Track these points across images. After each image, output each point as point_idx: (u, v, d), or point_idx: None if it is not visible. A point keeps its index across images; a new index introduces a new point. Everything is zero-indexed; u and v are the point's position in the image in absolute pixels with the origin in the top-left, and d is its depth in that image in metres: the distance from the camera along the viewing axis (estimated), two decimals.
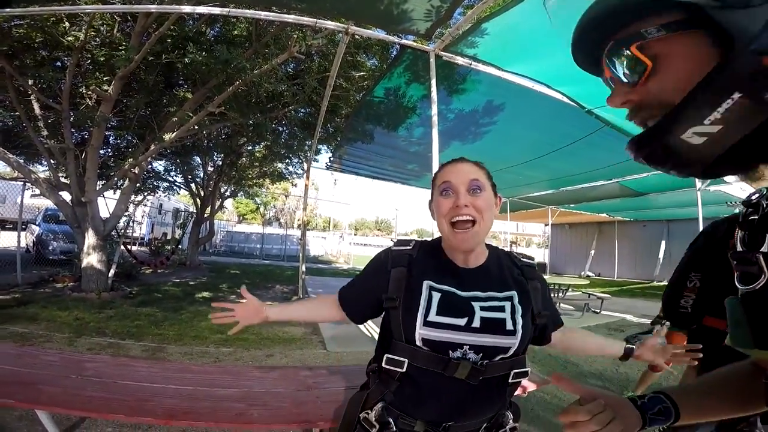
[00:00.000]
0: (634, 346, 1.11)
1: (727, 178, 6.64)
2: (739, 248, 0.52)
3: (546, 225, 18.00)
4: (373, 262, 1.02)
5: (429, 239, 1.05)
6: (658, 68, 0.43)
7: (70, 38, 4.76)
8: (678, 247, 13.34)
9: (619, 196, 9.00)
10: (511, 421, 0.95)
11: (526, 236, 34.43)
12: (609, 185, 7.75)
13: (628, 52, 0.44)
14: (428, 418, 0.88)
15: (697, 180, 5.62)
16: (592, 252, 16.72)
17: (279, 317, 1.12)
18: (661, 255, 14.19)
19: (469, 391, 0.85)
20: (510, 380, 0.89)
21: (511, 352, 0.86)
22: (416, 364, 0.85)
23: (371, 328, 4.87)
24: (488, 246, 0.99)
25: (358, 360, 3.61)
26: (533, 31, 2.71)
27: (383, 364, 0.88)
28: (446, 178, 0.91)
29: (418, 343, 0.85)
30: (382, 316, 0.98)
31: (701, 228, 5.63)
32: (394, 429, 0.90)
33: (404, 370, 0.86)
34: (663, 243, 14.12)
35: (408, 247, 0.98)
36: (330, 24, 3.30)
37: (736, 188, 7.22)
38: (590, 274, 16.33)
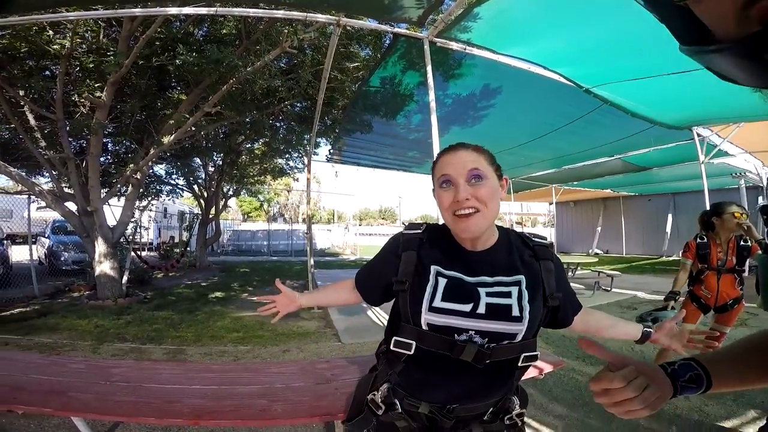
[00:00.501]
0: (651, 330, 1.08)
1: (731, 150, 6.58)
2: (765, 201, 0.46)
3: (551, 204, 17.91)
4: (386, 246, 1.03)
5: (439, 223, 1.04)
6: None
7: (55, 46, 4.73)
8: (685, 220, 13.23)
9: (622, 171, 8.92)
10: (517, 407, 0.96)
11: (531, 216, 34.30)
12: (611, 161, 7.69)
13: None
14: (433, 401, 0.90)
15: (699, 153, 5.57)
16: (599, 229, 16.63)
17: (309, 303, 1.23)
18: (668, 229, 14.08)
19: (476, 374, 0.86)
20: (519, 364, 0.89)
21: (519, 338, 0.85)
22: (423, 346, 0.86)
23: (383, 318, 4.94)
24: (499, 228, 0.97)
25: (373, 350, 3.67)
26: (526, 13, 2.68)
27: (391, 347, 0.90)
28: (444, 170, 0.89)
29: (424, 327, 0.86)
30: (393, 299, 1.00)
31: (707, 200, 5.62)
32: (399, 410, 0.93)
33: (412, 352, 0.87)
34: (670, 216, 14.00)
35: (419, 231, 0.98)
36: (321, 17, 3.27)
37: (740, 160, 7.15)
38: (598, 251, 16.28)
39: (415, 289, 0.89)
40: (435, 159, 0.96)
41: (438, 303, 0.85)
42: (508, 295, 0.86)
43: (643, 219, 15.28)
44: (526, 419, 0.99)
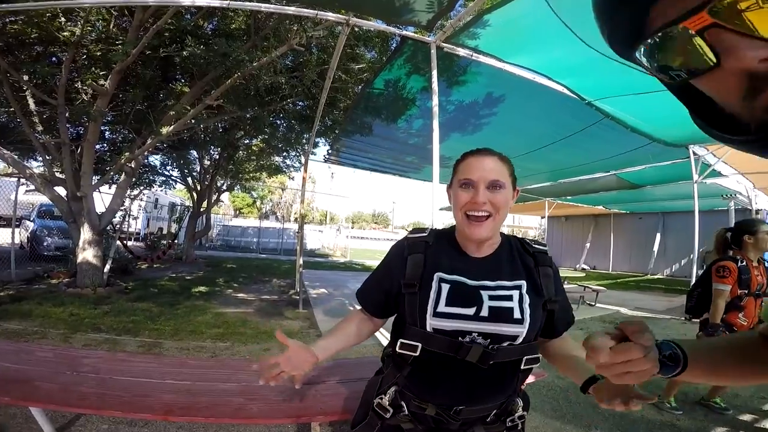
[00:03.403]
0: (599, 378, 0.83)
1: (724, 171, 6.69)
2: None
3: (542, 217, 18.01)
4: (391, 252, 1.03)
5: (443, 228, 1.07)
6: None
7: (66, 33, 4.66)
8: (673, 239, 13.48)
9: (616, 188, 9.03)
10: (520, 409, 0.96)
11: (522, 228, 34.50)
12: (606, 177, 7.76)
13: None
14: (440, 402, 0.89)
15: (694, 171, 5.64)
16: (588, 245, 16.78)
17: (328, 354, 1.02)
18: (655, 248, 14.31)
19: (482, 376, 0.86)
20: (522, 367, 0.90)
21: (520, 340, 0.87)
22: (429, 348, 0.87)
23: None
24: (501, 234, 1.00)
25: (356, 354, 3.61)
26: (535, 23, 2.67)
27: (398, 349, 0.90)
28: (468, 174, 0.92)
29: (429, 330, 0.87)
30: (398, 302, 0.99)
31: (697, 220, 5.66)
32: (406, 412, 0.92)
33: (417, 354, 0.87)
34: (658, 235, 14.23)
35: (424, 234, 1.00)
36: (331, 15, 3.24)
37: (732, 181, 7.26)
38: (585, 267, 16.41)
39: (421, 293, 0.90)
40: (460, 158, 0.98)
41: (442, 308, 0.87)
42: (510, 298, 0.88)
43: (631, 237, 15.49)
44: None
